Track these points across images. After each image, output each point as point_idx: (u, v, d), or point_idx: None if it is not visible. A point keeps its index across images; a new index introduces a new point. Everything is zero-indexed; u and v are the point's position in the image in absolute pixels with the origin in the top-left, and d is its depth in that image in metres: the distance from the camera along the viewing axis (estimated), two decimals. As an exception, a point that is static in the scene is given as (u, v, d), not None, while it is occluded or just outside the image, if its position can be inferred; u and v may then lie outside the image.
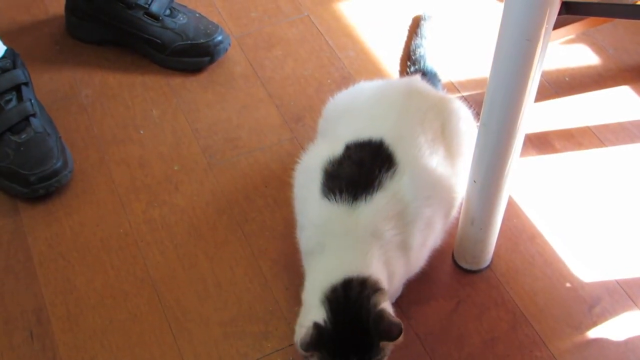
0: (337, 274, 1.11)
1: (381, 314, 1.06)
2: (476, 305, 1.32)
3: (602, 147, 1.56)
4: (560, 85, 1.68)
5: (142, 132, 1.61)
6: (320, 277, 1.13)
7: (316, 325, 1.05)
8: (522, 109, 1.09)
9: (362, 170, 1.18)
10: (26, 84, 1.55)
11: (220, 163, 1.55)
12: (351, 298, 1.08)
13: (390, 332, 1.06)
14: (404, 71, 1.69)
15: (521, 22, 1.01)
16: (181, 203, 1.48)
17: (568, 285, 1.34)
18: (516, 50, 1.03)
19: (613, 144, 1.56)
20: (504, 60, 1.06)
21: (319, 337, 1.05)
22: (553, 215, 1.44)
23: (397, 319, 1.06)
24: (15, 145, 1.48)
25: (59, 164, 1.47)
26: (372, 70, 1.71)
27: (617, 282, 1.34)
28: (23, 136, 1.49)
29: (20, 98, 1.52)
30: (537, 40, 1.01)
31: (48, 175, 1.46)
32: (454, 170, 1.27)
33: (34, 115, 1.51)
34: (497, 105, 1.11)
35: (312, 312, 1.09)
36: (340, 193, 1.16)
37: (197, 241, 1.42)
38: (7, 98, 1.51)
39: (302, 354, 1.09)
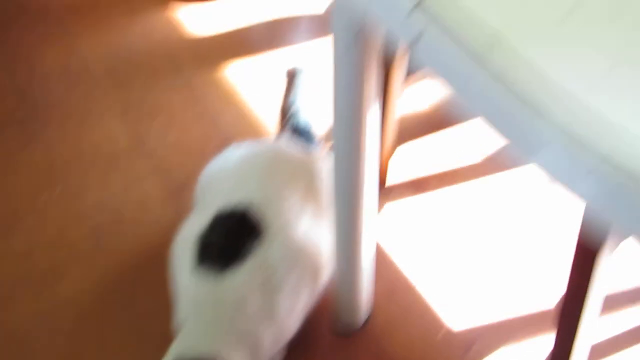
0: (189, 349, 1.13)
1: None
2: (357, 361, 1.35)
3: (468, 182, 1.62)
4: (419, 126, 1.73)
5: (25, 221, 1.60)
6: (175, 349, 1.15)
7: None
8: (363, 159, 1.15)
9: (229, 240, 1.21)
10: None
11: (107, 243, 1.55)
12: None
13: None
14: (280, 128, 1.72)
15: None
16: (68, 293, 1.47)
17: (443, 331, 1.38)
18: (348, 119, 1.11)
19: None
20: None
21: None
22: (423, 261, 1.48)
23: None
24: None
25: None
26: (253, 132, 1.74)
27: (487, 324, 1.38)
28: None
29: None
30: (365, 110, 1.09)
31: None
32: (323, 231, 1.29)
33: None
34: (342, 159, 1.17)
35: None
36: (209, 264, 1.19)
37: (86, 330, 1.42)
38: None
39: None
